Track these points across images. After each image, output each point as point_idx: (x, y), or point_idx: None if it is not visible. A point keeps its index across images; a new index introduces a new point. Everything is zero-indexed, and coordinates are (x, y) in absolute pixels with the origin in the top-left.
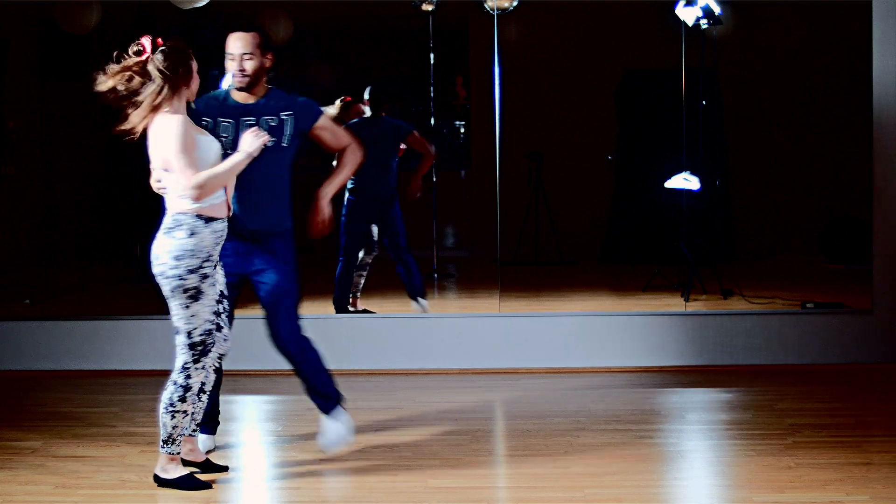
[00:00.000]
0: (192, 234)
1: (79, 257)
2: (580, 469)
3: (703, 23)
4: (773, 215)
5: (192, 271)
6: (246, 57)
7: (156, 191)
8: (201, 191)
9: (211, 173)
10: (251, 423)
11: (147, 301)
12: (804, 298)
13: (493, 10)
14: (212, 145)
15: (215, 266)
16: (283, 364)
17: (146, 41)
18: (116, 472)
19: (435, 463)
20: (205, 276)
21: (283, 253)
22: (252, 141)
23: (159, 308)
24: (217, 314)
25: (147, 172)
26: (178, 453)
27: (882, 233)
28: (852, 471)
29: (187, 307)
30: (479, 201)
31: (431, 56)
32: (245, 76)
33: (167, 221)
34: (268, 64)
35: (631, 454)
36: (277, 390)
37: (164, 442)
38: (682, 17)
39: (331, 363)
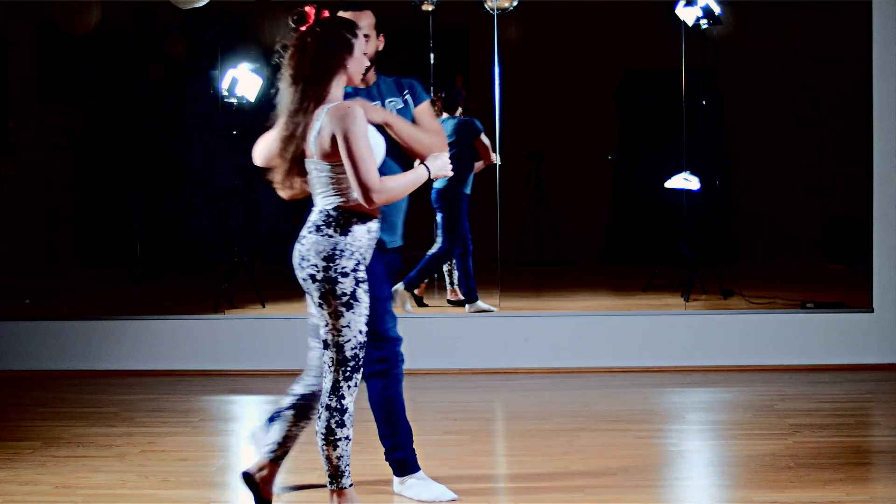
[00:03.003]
0: (346, 233)
1: (79, 257)
2: (580, 469)
3: (703, 23)
4: (773, 215)
5: (345, 274)
6: (371, 37)
7: (279, 188)
8: (380, 196)
9: (396, 183)
10: (251, 424)
11: (147, 301)
12: (804, 298)
13: (493, 10)
14: (379, 142)
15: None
16: (283, 364)
17: (310, 10)
18: (116, 472)
19: (435, 463)
20: (359, 281)
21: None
22: (443, 165)
23: (159, 308)
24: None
25: (149, 172)
26: (350, 486)
27: (882, 233)
28: (852, 471)
29: (340, 316)
30: (479, 201)
31: (431, 56)
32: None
33: (315, 218)
34: (380, 46)
35: (631, 454)
36: (277, 390)
37: (332, 478)
38: (682, 17)
39: None
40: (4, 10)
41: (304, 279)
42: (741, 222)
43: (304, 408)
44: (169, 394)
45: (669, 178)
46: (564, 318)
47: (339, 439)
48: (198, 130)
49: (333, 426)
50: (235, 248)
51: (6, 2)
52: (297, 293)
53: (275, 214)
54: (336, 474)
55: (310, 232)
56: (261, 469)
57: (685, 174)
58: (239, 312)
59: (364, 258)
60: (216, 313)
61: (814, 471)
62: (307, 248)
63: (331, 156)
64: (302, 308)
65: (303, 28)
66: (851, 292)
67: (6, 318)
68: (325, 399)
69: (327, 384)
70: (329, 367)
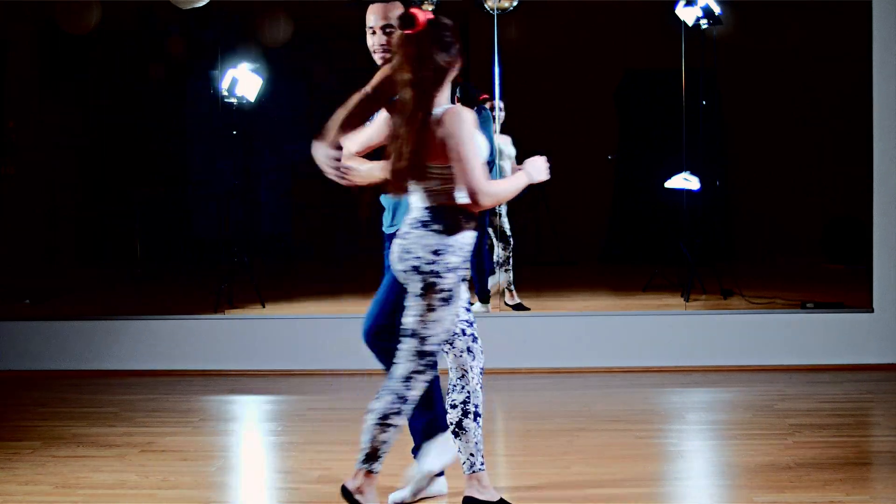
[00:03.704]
0: (454, 231)
1: (79, 257)
2: (580, 469)
3: (703, 23)
4: (773, 215)
5: (450, 270)
6: (388, 30)
7: (389, 189)
8: (487, 199)
9: (501, 188)
10: (251, 423)
11: (147, 301)
12: (804, 298)
13: (493, 10)
14: (484, 144)
15: None
16: (283, 364)
17: (419, 12)
18: (116, 472)
19: None
20: (460, 280)
21: None
22: (542, 168)
23: (159, 308)
24: (470, 324)
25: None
26: (378, 472)
27: (882, 233)
28: (852, 471)
29: (433, 310)
30: None
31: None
32: (387, 51)
33: (419, 216)
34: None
35: (631, 454)
36: (277, 390)
37: (368, 457)
38: (682, 17)
39: (330, 363)
40: (4, 10)
41: (404, 271)
42: (741, 222)
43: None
44: (169, 394)
45: (669, 178)
46: (564, 318)
47: (392, 426)
48: (198, 130)
49: (393, 412)
50: (235, 248)
51: (6, 2)
52: (297, 293)
53: (275, 214)
54: (373, 456)
55: (415, 228)
56: (472, 481)
57: (685, 174)
58: (239, 312)
59: (467, 257)
60: (216, 313)
61: (814, 471)
62: (411, 242)
63: (441, 158)
64: (302, 308)
65: (412, 31)
66: (851, 292)
67: (6, 318)
68: (394, 384)
69: (402, 370)
70: (409, 355)
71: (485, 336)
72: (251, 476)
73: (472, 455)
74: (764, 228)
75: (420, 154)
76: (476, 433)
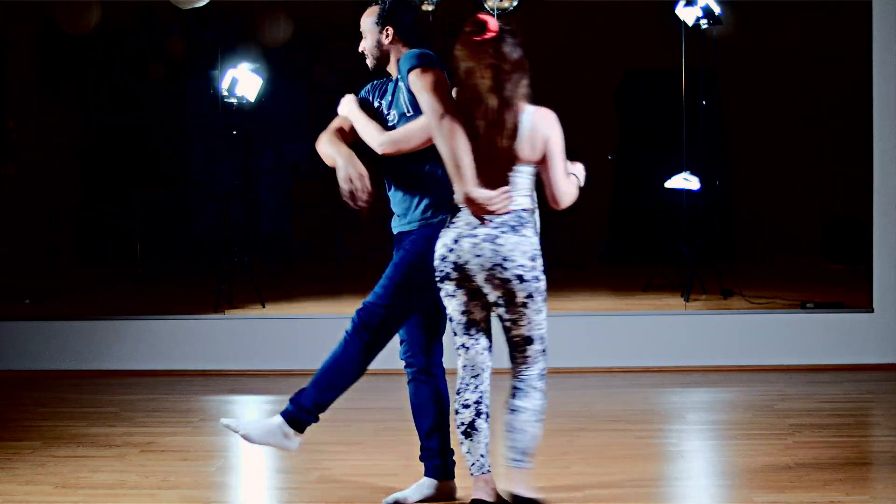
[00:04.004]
0: (536, 233)
1: (79, 257)
2: (580, 469)
3: (703, 23)
4: (773, 215)
5: (544, 272)
6: (363, 36)
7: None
8: (571, 201)
9: (575, 192)
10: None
11: (147, 301)
12: (804, 298)
13: (493, 10)
14: None
15: None
16: (283, 364)
17: (490, 20)
18: (116, 472)
19: None
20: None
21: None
22: (579, 173)
23: (159, 308)
24: None
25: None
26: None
27: (882, 233)
28: (852, 471)
29: (540, 312)
30: None
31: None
32: (366, 59)
33: (506, 218)
34: (386, 39)
35: (631, 454)
36: (277, 390)
37: (527, 455)
38: (682, 17)
39: None
40: (4, 10)
41: (507, 279)
42: (741, 222)
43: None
44: (169, 394)
45: (669, 178)
46: (564, 318)
47: (544, 419)
48: (198, 130)
49: (544, 408)
50: (235, 248)
51: (6, 2)
52: (297, 293)
53: (275, 214)
54: (532, 453)
55: (503, 232)
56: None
57: (685, 174)
58: (239, 312)
59: None
60: (216, 313)
61: (814, 471)
62: (510, 249)
63: (535, 159)
64: (302, 308)
65: (483, 38)
66: (851, 292)
67: (6, 318)
68: (537, 383)
69: (537, 370)
70: (537, 355)
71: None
72: (251, 476)
73: (482, 456)
74: (764, 228)
75: (512, 157)
76: (486, 434)
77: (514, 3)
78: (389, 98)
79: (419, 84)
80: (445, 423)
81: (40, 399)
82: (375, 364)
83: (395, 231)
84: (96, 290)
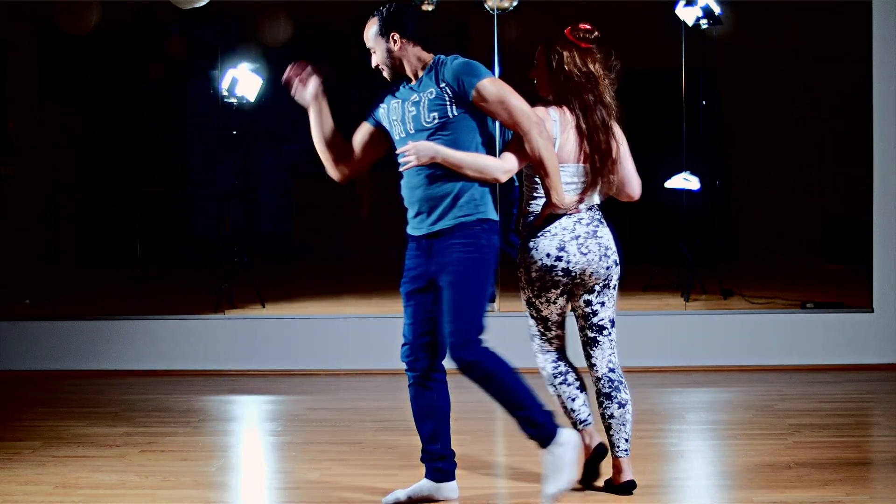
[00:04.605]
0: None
1: (79, 257)
2: (580, 469)
3: (703, 23)
4: (773, 215)
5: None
6: (372, 52)
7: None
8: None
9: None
10: (251, 423)
11: (147, 301)
12: (804, 298)
13: (493, 10)
14: None
15: None
16: (283, 364)
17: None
18: (116, 472)
19: None
20: None
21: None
22: None
23: (159, 308)
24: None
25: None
26: None
27: (882, 233)
28: (852, 471)
29: (613, 299)
30: None
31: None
32: (381, 71)
33: (593, 213)
34: (395, 45)
35: (631, 454)
36: (277, 390)
37: (628, 441)
38: (682, 17)
39: (330, 363)
40: (4, 10)
41: (608, 267)
42: (741, 222)
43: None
44: (169, 394)
45: (669, 178)
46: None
47: None
48: (198, 130)
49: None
50: (235, 248)
51: (6, 2)
52: (297, 293)
53: (275, 214)
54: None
55: (600, 225)
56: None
57: (685, 174)
58: (239, 312)
59: None
60: (216, 313)
61: (814, 471)
62: (608, 239)
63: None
64: (302, 308)
65: (590, 46)
66: (851, 292)
67: (6, 318)
68: (621, 375)
69: (615, 361)
70: (611, 345)
71: (486, 336)
72: (251, 476)
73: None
74: (764, 228)
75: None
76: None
77: (514, 3)
78: (412, 110)
79: (501, 93)
80: (446, 427)
81: (40, 399)
82: (375, 364)
83: (418, 233)
84: (96, 290)
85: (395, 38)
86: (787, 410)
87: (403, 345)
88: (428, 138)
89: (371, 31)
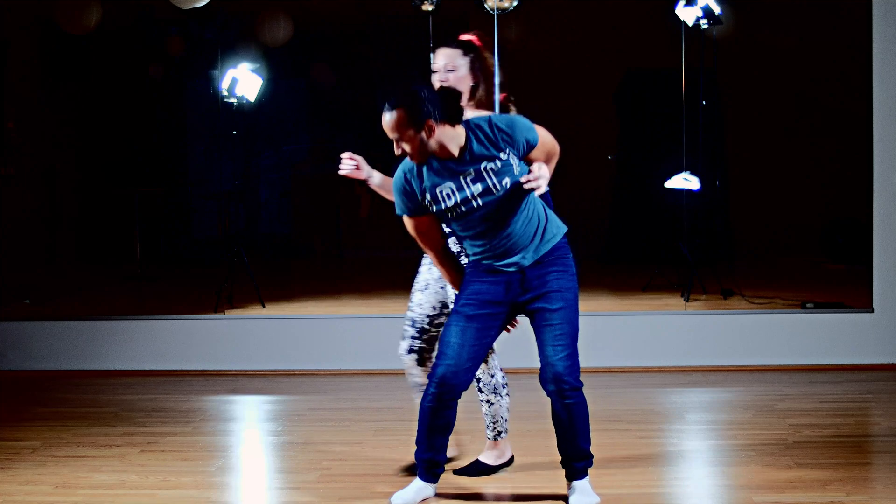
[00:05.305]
0: None
1: (79, 257)
2: None
3: (703, 23)
4: (773, 215)
5: None
6: (397, 142)
7: None
8: None
9: None
10: (251, 423)
11: (147, 301)
12: (804, 298)
13: (493, 10)
14: None
15: None
16: (283, 364)
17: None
18: (116, 472)
19: None
20: None
21: None
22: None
23: (159, 308)
24: None
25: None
26: None
27: (882, 233)
28: (852, 471)
29: None
30: None
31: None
32: (413, 158)
33: None
34: (432, 132)
35: (631, 454)
36: (277, 390)
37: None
38: (682, 17)
39: (330, 363)
40: (4, 10)
41: None
42: (741, 222)
43: None
44: (169, 394)
45: (669, 178)
46: None
47: None
48: (198, 130)
49: None
50: (235, 248)
51: (6, 2)
52: (297, 293)
53: (275, 214)
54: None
55: None
56: None
57: (685, 174)
58: (239, 312)
59: None
60: (216, 313)
61: (814, 471)
62: None
63: None
64: (301, 308)
65: None
66: (851, 292)
67: (6, 318)
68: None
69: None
70: None
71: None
72: (251, 476)
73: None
74: (764, 228)
75: None
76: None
77: (514, 3)
78: (473, 186)
79: (545, 137)
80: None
81: (40, 399)
82: (375, 364)
83: (505, 268)
84: (96, 290)
85: (430, 126)
86: (787, 410)
87: (445, 363)
88: (497, 201)
89: (399, 126)
